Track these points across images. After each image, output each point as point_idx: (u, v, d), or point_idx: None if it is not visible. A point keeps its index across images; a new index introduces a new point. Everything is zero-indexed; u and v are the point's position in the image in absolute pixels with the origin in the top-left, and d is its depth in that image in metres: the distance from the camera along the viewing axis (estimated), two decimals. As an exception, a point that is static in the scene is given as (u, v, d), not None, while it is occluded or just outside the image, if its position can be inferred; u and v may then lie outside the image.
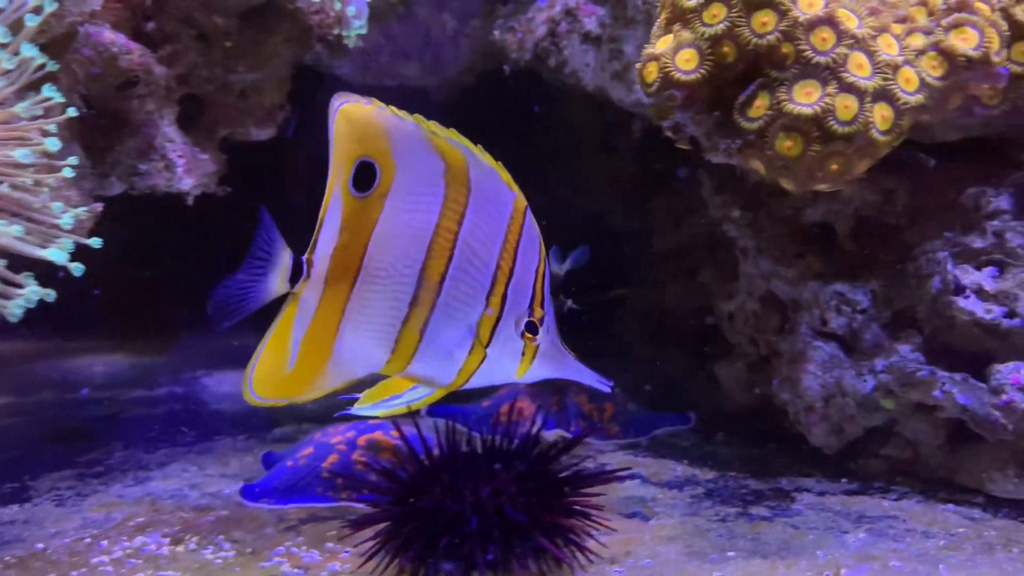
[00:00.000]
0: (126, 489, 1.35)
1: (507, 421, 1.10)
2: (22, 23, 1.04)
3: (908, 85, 1.08)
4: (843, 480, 1.41)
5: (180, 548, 1.10)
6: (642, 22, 1.59)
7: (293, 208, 1.17)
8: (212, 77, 1.43)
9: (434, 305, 0.97)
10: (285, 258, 0.97)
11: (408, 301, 0.97)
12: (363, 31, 1.49)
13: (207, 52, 1.42)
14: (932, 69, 1.10)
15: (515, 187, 0.98)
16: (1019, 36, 1.20)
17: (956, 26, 1.09)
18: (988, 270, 1.34)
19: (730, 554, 1.09)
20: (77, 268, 1.06)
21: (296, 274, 0.97)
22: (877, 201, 1.46)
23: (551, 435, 1.55)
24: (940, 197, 1.44)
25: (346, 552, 1.08)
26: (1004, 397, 1.24)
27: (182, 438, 1.66)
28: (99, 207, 1.19)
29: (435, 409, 1.61)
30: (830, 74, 1.07)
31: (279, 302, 1.00)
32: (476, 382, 1.00)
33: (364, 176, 0.98)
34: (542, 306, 0.97)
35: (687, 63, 1.12)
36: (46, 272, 1.06)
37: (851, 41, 1.07)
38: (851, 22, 1.08)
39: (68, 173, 1.05)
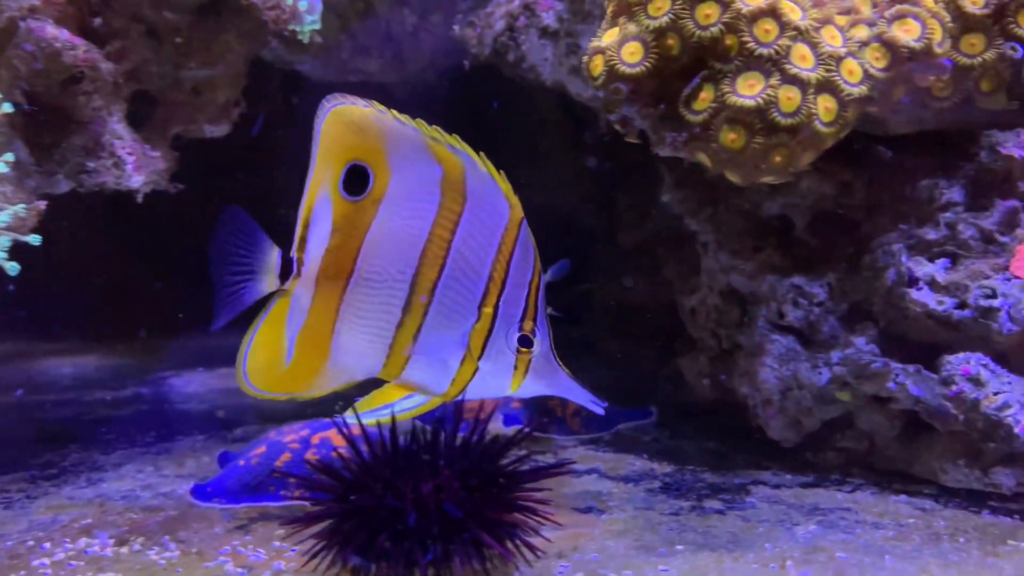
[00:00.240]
0: (77, 491, 1.34)
1: (473, 418, 1.09)
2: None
3: (851, 76, 1.08)
4: (801, 473, 1.41)
5: (124, 549, 1.09)
6: (600, 16, 1.57)
7: (270, 206, 1.16)
8: (163, 73, 1.41)
9: (426, 312, 0.97)
10: (273, 255, 0.98)
11: (401, 307, 0.97)
12: (316, 26, 1.48)
13: (157, 48, 1.40)
14: (876, 60, 1.10)
15: (513, 198, 0.98)
16: (967, 28, 1.21)
17: (899, 17, 1.10)
18: (941, 262, 1.34)
19: (679, 547, 1.09)
20: (12, 267, 1.04)
21: (286, 271, 0.98)
22: (834, 194, 1.46)
23: (511, 431, 1.55)
24: (896, 190, 1.44)
25: (293, 551, 1.07)
26: (954, 388, 1.25)
27: (141, 439, 1.64)
28: (42, 205, 1.17)
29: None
30: (773, 66, 1.07)
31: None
32: (472, 394, 1.00)
33: (353, 179, 0.99)
34: (535, 320, 0.98)
35: (632, 56, 1.11)
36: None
37: (794, 33, 1.07)
38: (794, 14, 1.08)
39: (2, 169, 1.04)
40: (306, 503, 1.21)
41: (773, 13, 1.08)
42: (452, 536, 0.95)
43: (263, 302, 1.01)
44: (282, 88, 1.87)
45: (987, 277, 1.29)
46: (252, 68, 1.57)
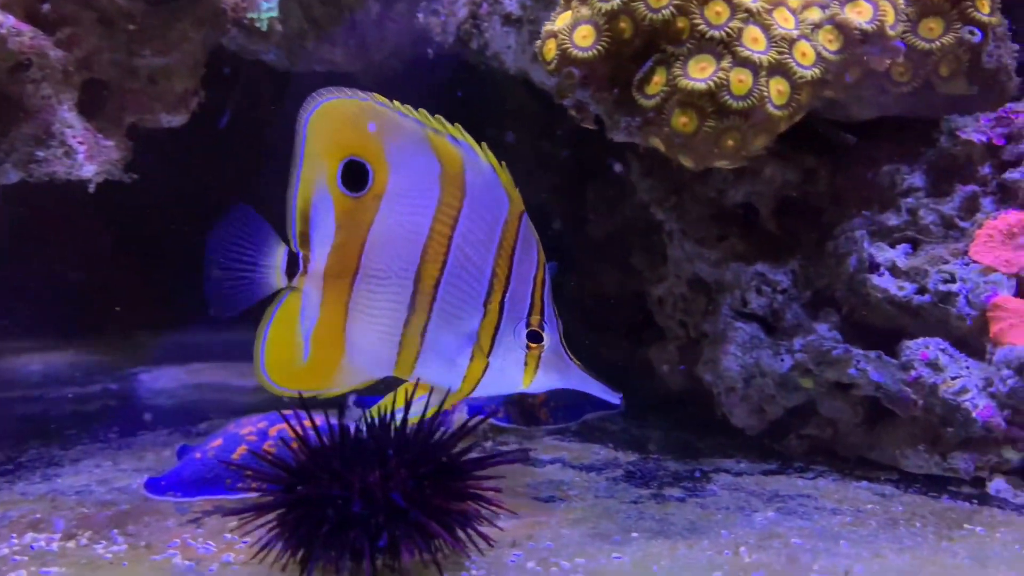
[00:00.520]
0: (30, 487, 1.31)
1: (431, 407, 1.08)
2: None
3: (804, 59, 1.07)
4: (764, 461, 1.40)
5: (71, 544, 1.07)
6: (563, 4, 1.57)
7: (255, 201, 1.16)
8: (116, 62, 1.39)
9: (431, 310, 0.97)
10: (280, 252, 0.99)
11: (407, 304, 0.97)
12: (274, 13, 1.46)
13: (110, 36, 1.37)
14: (829, 43, 1.09)
15: (513, 192, 0.99)
16: (926, 13, 1.20)
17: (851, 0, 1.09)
18: (901, 247, 1.34)
19: (634, 535, 1.08)
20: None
21: (292, 268, 0.99)
22: (799, 181, 1.46)
23: (474, 421, 1.53)
24: (860, 176, 1.44)
25: (244, 543, 1.05)
26: (913, 373, 1.24)
27: (104, 434, 1.62)
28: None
29: (363, 399, 1.58)
30: (724, 48, 1.06)
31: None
32: (485, 390, 1.01)
33: (351, 175, 0.99)
34: (541, 314, 0.97)
35: (584, 40, 1.10)
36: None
37: (745, 15, 1.06)
38: (746, -5, 1.07)
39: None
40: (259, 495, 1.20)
41: (725, -5, 1.07)
42: (399, 525, 0.93)
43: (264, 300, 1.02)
44: (247, 79, 1.85)
45: (946, 262, 1.29)
46: (213, 58, 1.54)
